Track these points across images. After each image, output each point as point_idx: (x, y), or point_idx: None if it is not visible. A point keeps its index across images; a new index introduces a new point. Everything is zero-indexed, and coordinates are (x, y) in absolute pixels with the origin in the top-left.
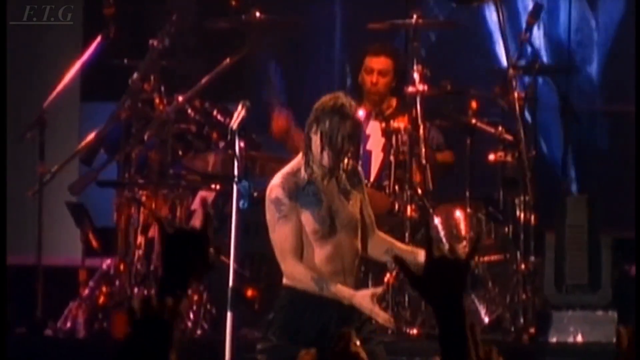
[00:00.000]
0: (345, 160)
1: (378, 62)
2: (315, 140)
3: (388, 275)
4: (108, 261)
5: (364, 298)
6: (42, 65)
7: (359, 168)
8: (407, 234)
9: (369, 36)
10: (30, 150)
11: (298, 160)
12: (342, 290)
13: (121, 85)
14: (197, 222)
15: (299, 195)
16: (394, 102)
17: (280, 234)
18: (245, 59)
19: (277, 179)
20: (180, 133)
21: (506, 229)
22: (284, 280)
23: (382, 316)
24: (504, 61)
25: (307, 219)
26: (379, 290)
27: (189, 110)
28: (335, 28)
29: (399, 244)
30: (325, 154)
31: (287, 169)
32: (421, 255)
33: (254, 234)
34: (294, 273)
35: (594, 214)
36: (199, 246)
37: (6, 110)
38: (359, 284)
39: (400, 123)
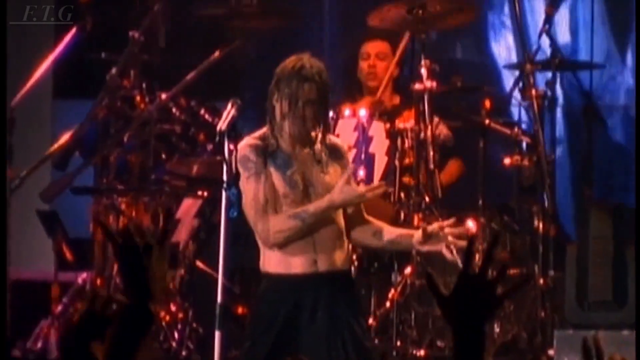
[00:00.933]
0: (314, 132)
1: (374, 46)
2: (277, 107)
3: (392, 291)
4: (83, 275)
5: (341, 191)
6: (11, 59)
7: (340, 143)
8: None
9: (368, 28)
10: None
11: (265, 129)
12: (320, 202)
13: (98, 81)
14: (182, 232)
15: (268, 157)
16: (396, 99)
17: (249, 193)
18: (236, 52)
19: (244, 141)
20: (163, 134)
21: (523, 241)
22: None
23: (371, 191)
24: (520, 55)
25: (278, 181)
26: (348, 171)
27: (174, 109)
28: (328, 19)
29: (389, 227)
30: (287, 122)
31: (254, 134)
32: (418, 235)
33: (244, 245)
34: (273, 226)
35: (619, 224)
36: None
37: (6, 110)
38: (340, 265)
39: (406, 123)
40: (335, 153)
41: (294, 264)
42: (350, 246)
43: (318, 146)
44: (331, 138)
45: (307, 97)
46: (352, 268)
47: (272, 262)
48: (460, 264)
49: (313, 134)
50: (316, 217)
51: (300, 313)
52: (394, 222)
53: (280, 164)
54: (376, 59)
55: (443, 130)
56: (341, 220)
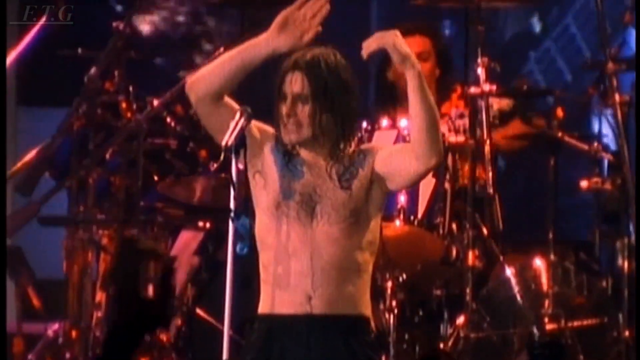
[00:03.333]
0: (329, 140)
1: (413, 44)
2: (276, 106)
3: (442, 346)
4: (55, 326)
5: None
6: None
7: (370, 146)
8: (467, 290)
9: (411, 15)
10: None
11: None
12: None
13: (73, 84)
14: (179, 272)
15: (275, 149)
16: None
17: None
18: None
19: None
20: (155, 150)
21: (604, 283)
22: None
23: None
24: (600, 52)
25: (272, 182)
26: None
27: (168, 119)
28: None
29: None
30: (283, 126)
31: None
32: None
33: (256, 289)
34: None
35: None
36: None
37: (5, 111)
38: (346, 308)
39: (458, 136)
40: (364, 160)
41: (283, 301)
42: (368, 284)
43: (345, 161)
44: (362, 147)
45: (295, 91)
46: (388, 320)
47: (262, 298)
48: None
49: (349, 147)
50: (241, 57)
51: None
52: (444, 260)
53: (284, 162)
54: (418, 59)
55: (499, 103)
56: (358, 251)
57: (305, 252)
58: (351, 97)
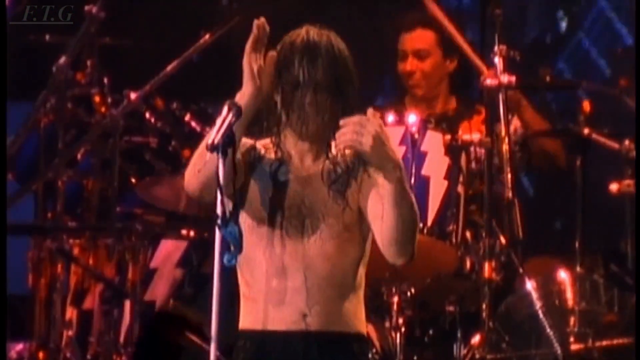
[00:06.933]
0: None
1: (412, 40)
2: (277, 96)
3: None
4: (19, 346)
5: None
6: None
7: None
8: (484, 306)
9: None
10: None
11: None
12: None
13: (40, 74)
14: (160, 287)
15: (257, 162)
16: (452, 103)
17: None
18: (234, 34)
19: None
20: (133, 149)
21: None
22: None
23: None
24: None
25: (254, 199)
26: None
27: (147, 115)
28: None
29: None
30: (290, 117)
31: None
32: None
33: None
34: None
35: None
36: None
37: (5, 111)
38: (344, 326)
39: (474, 134)
40: (358, 172)
41: (275, 318)
42: (362, 304)
43: (338, 160)
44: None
45: (315, 79)
46: (394, 339)
47: (247, 314)
48: None
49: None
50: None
51: None
52: (457, 273)
53: (269, 174)
54: (415, 59)
55: (517, 123)
56: (353, 267)
57: (298, 267)
58: (354, 91)
